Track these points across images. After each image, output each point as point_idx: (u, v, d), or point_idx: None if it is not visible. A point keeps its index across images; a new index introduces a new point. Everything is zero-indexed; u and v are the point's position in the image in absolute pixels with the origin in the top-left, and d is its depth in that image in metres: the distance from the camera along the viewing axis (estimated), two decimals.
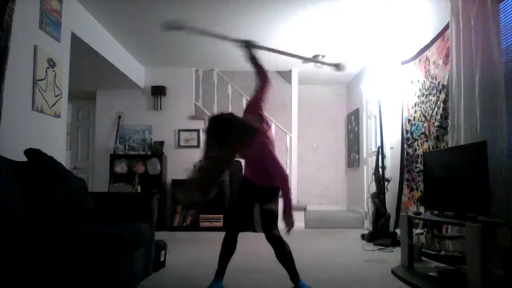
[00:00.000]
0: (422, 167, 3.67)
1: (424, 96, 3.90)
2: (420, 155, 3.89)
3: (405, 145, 4.31)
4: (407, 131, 4.30)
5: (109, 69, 5.04)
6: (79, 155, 6.60)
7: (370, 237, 4.45)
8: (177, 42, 5.13)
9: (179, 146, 6.12)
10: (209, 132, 2.21)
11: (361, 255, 3.78)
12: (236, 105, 6.18)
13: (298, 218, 5.76)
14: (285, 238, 2.46)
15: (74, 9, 3.81)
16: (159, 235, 3.17)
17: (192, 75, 6.27)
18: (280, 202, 2.33)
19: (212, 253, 3.81)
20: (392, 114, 4.72)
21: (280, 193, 2.34)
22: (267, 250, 3.54)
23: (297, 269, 2.49)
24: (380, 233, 4.36)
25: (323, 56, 5.54)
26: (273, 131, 3.78)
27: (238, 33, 4.82)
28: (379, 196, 4.56)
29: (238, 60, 5.89)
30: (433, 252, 3.10)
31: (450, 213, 2.87)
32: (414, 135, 4.10)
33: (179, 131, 6.13)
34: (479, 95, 2.77)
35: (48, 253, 1.93)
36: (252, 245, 3.88)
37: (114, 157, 5.85)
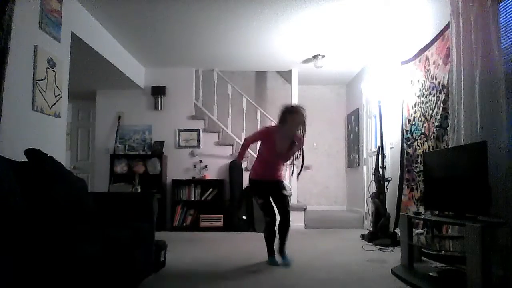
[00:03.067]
0: (422, 167, 3.67)
1: (424, 96, 3.90)
2: (420, 155, 3.89)
3: (405, 145, 4.32)
4: (407, 131, 4.30)
5: (109, 69, 5.04)
6: (79, 155, 6.60)
7: (370, 237, 4.45)
8: (177, 42, 5.13)
9: (179, 146, 6.12)
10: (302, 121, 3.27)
11: (361, 255, 3.78)
12: (236, 105, 6.20)
13: (298, 218, 5.76)
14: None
15: (74, 9, 3.81)
16: (159, 235, 3.17)
17: (192, 75, 6.27)
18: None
19: (212, 253, 3.82)
20: (392, 114, 4.72)
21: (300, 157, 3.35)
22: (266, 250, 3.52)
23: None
24: (380, 233, 4.36)
25: (323, 56, 5.54)
26: None
27: (238, 33, 4.86)
28: (379, 196, 4.55)
29: (238, 60, 5.94)
30: (433, 252, 3.10)
31: (450, 213, 2.87)
32: (414, 135, 4.10)
33: (179, 131, 6.14)
34: (479, 95, 2.77)
35: (49, 253, 1.93)
36: (253, 245, 3.88)
37: (114, 157, 5.85)
